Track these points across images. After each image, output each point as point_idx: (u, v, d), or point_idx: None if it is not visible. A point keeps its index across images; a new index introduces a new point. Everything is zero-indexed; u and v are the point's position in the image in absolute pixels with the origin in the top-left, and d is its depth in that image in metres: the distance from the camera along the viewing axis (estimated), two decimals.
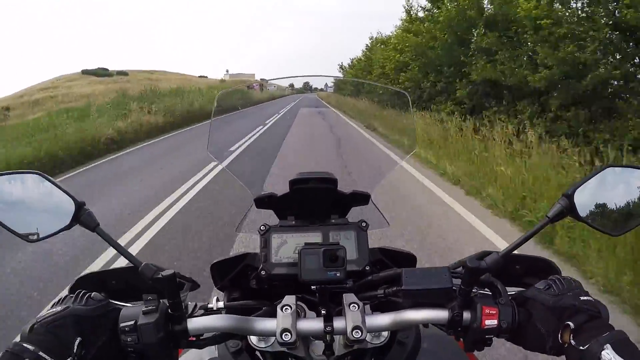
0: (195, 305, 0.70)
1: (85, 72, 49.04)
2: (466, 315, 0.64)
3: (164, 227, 4.70)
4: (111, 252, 3.89)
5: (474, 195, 5.79)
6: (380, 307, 0.75)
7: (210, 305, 0.70)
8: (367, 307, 0.75)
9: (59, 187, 0.68)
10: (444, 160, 7.44)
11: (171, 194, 6.04)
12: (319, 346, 0.71)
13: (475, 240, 4.20)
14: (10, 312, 3.09)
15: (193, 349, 0.81)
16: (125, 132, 12.52)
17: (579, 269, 3.57)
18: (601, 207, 0.71)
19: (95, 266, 3.75)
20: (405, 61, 14.55)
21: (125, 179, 7.57)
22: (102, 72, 50.31)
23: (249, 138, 7.02)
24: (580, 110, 6.61)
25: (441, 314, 0.65)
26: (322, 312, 0.66)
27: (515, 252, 0.69)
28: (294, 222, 0.82)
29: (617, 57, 6.34)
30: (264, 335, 0.68)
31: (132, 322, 0.61)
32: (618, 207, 0.72)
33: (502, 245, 3.92)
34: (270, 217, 0.84)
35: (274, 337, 0.63)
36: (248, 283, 0.82)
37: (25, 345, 0.54)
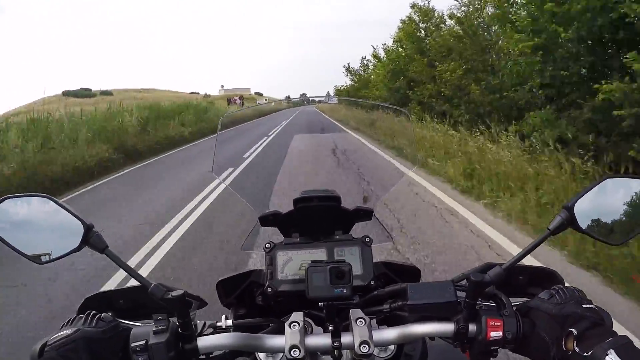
0: (205, 324, 0.71)
1: (66, 94, 48.17)
2: (471, 327, 0.65)
3: None
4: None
5: None
6: (386, 321, 0.76)
7: (219, 324, 0.71)
8: (373, 321, 0.76)
9: (67, 210, 0.69)
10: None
11: None
12: None
13: None
14: None
15: None
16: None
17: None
18: (601, 218, 0.72)
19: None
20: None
21: None
22: (83, 93, 49.33)
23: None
24: None
25: (447, 327, 0.66)
26: (330, 327, 0.67)
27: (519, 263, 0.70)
28: (298, 239, 0.83)
29: None
30: (272, 352, 0.69)
31: (143, 342, 0.62)
32: (618, 216, 0.73)
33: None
34: (274, 234, 0.86)
35: (282, 354, 0.64)
36: (254, 300, 0.83)
37: None
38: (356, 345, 0.62)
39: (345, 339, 0.64)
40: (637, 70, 4.43)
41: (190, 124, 17.99)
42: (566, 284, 0.71)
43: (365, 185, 5.32)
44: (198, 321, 0.71)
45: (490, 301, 0.68)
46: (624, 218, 0.73)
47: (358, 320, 0.65)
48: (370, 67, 26.57)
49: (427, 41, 14.18)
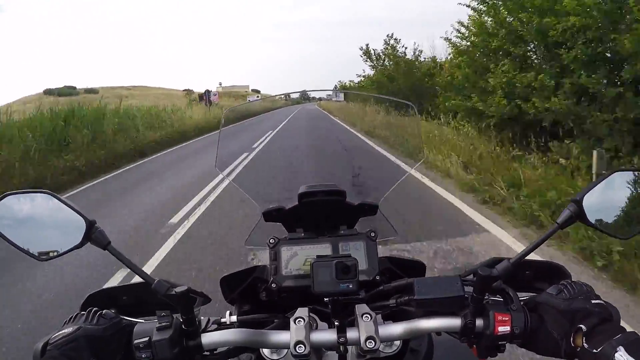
0: (209, 320, 0.70)
1: (48, 92, 46.14)
2: (479, 322, 0.64)
3: None
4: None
5: None
6: (392, 316, 0.76)
7: (223, 320, 0.70)
8: (379, 316, 0.75)
9: (69, 206, 0.68)
10: None
11: None
12: (332, 357, 0.71)
13: None
14: None
15: None
16: None
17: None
18: (610, 211, 0.71)
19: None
20: None
21: None
22: (66, 91, 46.97)
23: None
24: None
25: (454, 322, 0.65)
26: (335, 323, 0.67)
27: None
28: (302, 235, 0.83)
29: None
30: (277, 347, 0.68)
31: (147, 339, 0.61)
32: (626, 210, 0.72)
33: None
34: (278, 229, 0.85)
35: (287, 350, 0.63)
36: (258, 296, 0.83)
37: None
38: (362, 340, 0.62)
39: (351, 334, 0.64)
40: None
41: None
42: (573, 279, 0.70)
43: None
44: (202, 317, 0.70)
45: (498, 296, 0.67)
46: (632, 211, 0.72)
47: (364, 316, 0.64)
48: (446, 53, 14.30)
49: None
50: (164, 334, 0.61)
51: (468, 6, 8.88)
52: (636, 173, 0.73)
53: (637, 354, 0.53)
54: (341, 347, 0.65)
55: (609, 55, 5.74)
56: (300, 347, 0.61)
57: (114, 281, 3.61)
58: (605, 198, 0.71)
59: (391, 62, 21.80)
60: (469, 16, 9.16)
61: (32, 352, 0.59)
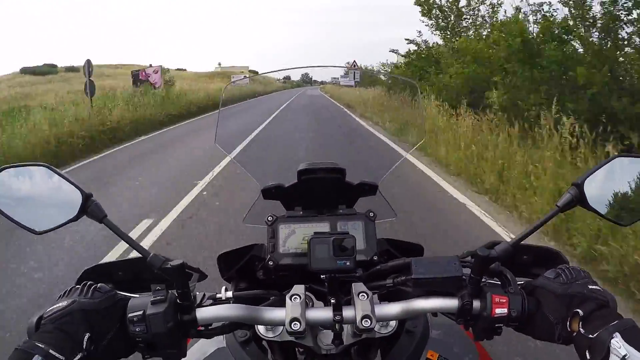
0: (204, 295, 0.70)
1: (25, 71, 43.08)
2: (476, 304, 0.64)
3: None
4: None
5: None
6: (388, 296, 0.75)
7: (218, 295, 0.70)
8: (376, 296, 0.75)
9: (67, 179, 0.68)
10: None
11: None
12: (327, 335, 0.71)
13: None
14: None
15: (201, 339, 0.81)
16: None
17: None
18: (610, 197, 0.71)
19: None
20: None
21: None
22: (44, 70, 43.82)
23: None
24: None
25: (451, 303, 0.65)
26: (331, 301, 0.66)
27: (523, 242, 0.69)
28: (301, 213, 0.82)
29: None
30: (273, 324, 0.68)
31: (141, 312, 0.61)
32: (627, 196, 0.72)
33: None
34: (277, 208, 0.84)
35: (282, 327, 0.63)
36: (255, 274, 0.83)
37: (35, 343, 0.53)
38: (358, 319, 0.61)
39: (347, 312, 0.63)
40: None
41: None
42: (571, 264, 0.69)
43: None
44: (197, 292, 0.70)
45: (495, 279, 0.67)
46: (633, 197, 0.72)
47: (360, 294, 0.64)
48: None
49: None
50: (159, 307, 0.61)
51: None
52: (638, 159, 0.72)
53: (633, 341, 0.52)
54: (337, 325, 0.65)
55: None
56: (295, 324, 0.61)
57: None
58: (606, 183, 0.70)
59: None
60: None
61: (27, 326, 0.59)
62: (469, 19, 12.70)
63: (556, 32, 7.37)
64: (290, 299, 0.64)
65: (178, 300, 0.63)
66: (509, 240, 0.66)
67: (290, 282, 0.69)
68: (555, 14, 7.70)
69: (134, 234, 4.29)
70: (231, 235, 4.13)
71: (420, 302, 0.66)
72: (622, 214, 0.72)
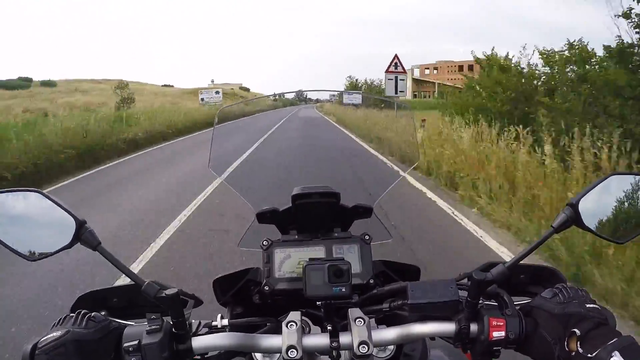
0: (200, 323, 0.69)
1: None
2: (473, 327, 0.63)
3: None
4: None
5: None
6: (386, 320, 0.75)
7: (214, 323, 0.69)
8: (372, 320, 0.74)
9: (60, 206, 0.67)
10: None
11: None
12: None
13: None
14: None
15: None
16: None
17: None
18: (606, 215, 0.71)
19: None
20: None
21: None
22: (15, 84, 40.95)
23: None
24: None
25: (448, 327, 0.64)
26: (328, 327, 0.66)
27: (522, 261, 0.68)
28: (296, 237, 0.82)
29: None
30: (269, 352, 0.68)
31: (136, 342, 0.60)
32: (623, 214, 0.71)
33: None
34: (273, 231, 0.84)
35: (279, 354, 0.62)
36: (251, 298, 0.82)
37: None
38: (355, 345, 0.61)
39: (344, 339, 0.63)
40: None
41: None
42: (569, 283, 0.69)
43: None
44: (193, 320, 0.69)
45: (492, 300, 0.66)
46: (628, 215, 0.72)
47: (357, 320, 0.64)
48: None
49: None
50: (154, 337, 0.60)
51: None
52: (633, 177, 0.73)
53: (632, 358, 0.52)
54: (334, 352, 0.64)
55: None
56: (292, 351, 0.60)
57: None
58: (602, 202, 0.70)
59: None
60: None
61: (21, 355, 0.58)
62: None
63: None
64: (287, 326, 0.63)
65: (173, 329, 0.63)
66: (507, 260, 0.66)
67: (286, 306, 0.69)
68: None
69: None
70: None
71: (417, 326, 0.65)
72: (619, 232, 0.71)
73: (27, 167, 7.87)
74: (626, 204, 0.72)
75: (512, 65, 10.67)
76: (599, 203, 0.70)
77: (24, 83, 43.44)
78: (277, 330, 0.64)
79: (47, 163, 8.49)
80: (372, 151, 9.72)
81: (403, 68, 13.66)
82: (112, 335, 0.62)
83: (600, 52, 7.70)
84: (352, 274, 0.71)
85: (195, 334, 0.66)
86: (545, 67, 9.46)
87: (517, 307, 0.65)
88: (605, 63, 7.50)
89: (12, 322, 2.96)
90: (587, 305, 0.61)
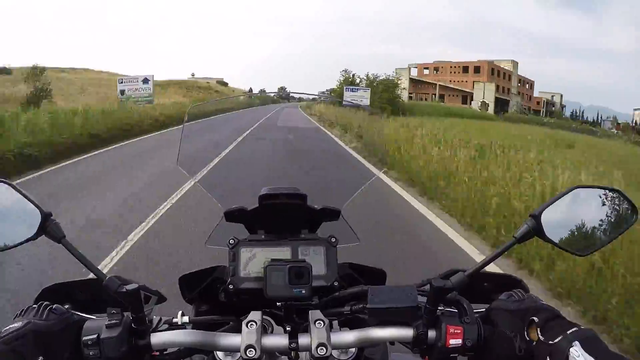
0: (160, 320, 0.69)
1: None
2: (431, 333, 0.64)
3: None
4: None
5: None
6: (348, 323, 0.75)
7: (175, 320, 0.69)
8: (335, 323, 0.75)
9: (26, 197, 0.67)
10: None
11: None
12: None
13: None
14: None
15: None
16: None
17: None
18: (568, 227, 0.72)
19: None
20: None
21: None
22: None
23: None
24: None
25: (406, 332, 0.65)
26: (287, 328, 0.66)
27: (486, 270, 0.69)
28: (263, 237, 0.82)
29: None
30: (228, 350, 0.68)
31: (95, 336, 0.60)
32: (585, 226, 0.72)
33: None
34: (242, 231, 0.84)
35: (240, 353, 0.63)
36: (217, 297, 0.82)
37: None
38: (313, 347, 0.61)
39: (303, 340, 0.63)
40: None
41: None
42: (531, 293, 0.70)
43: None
44: (154, 316, 0.69)
45: (452, 307, 0.67)
46: (591, 228, 0.72)
47: (317, 322, 0.64)
48: None
49: None
50: (113, 331, 0.61)
51: None
52: (596, 190, 0.74)
53: (592, 350, 0.52)
54: (292, 352, 0.64)
55: None
56: (250, 351, 0.60)
57: None
58: (564, 214, 0.71)
59: None
60: None
61: None
62: None
63: None
64: (247, 326, 0.63)
65: (133, 325, 0.63)
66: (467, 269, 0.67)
67: (251, 306, 0.69)
68: None
69: None
70: None
71: (376, 331, 0.66)
72: (580, 245, 0.72)
73: None
74: (589, 216, 0.73)
75: None
76: (562, 215, 0.70)
77: None
78: (238, 329, 0.64)
79: None
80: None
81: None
82: (72, 328, 0.62)
83: None
84: (317, 276, 0.71)
85: (155, 330, 0.66)
86: None
87: (477, 315, 0.66)
88: None
89: None
90: (541, 302, 0.63)
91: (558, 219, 0.70)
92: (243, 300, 0.78)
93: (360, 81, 37.15)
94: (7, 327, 0.58)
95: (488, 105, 54.07)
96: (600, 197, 0.73)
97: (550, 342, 0.56)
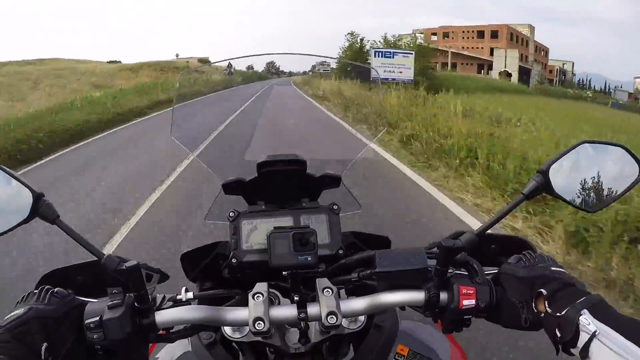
0: (164, 297, 0.67)
1: None
2: (443, 296, 0.63)
3: None
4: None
5: None
6: (356, 291, 0.74)
7: (179, 297, 0.67)
8: (342, 291, 0.74)
9: (17, 178, 0.64)
10: None
11: None
12: (294, 334, 0.69)
13: None
14: None
15: (166, 344, 0.79)
16: None
17: None
18: (577, 183, 0.70)
19: None
20: None
21: None
22: None
23: None
24: None
25: (417, 296, 0.63)
26: (295, 298, 0.65)
27: (491, 231, 0.68)
28: (263, 207, 0.80)
29: None
30: (236, 325, 0.66)
31: (97, 318, 0.58)
32: (593, 182, 0.71)
33: None
34: (240, 203, 0.82)
35: (248, 327, 0.61)
36: (220, 273, 0.80)
37: None
38: (323, 316, 0.60)
39: (312, 309, 0.62)
40: None
41: None
42: (538, 252, 0.69)
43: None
44: (158, 295, 0.67)
45: (462, 269, 0.66)
46: (599, 184, 0.71)
47: (325, 290, 0.63)
48: None
49: None
50: (116, 312, 0.59)
51: None
52: (603, 146, 0.72)
53: (601, 316, 0.51)
54: (302, 323, 0.63)
55: None
56: (259, 323, 0.59)
57: None
58: (572, 169, 0.70)
59: None
60: None
61: None
62: None
63: None
64: (253, 298, 0.61)
65: (136, 304, 0.61)
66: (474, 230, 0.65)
67: (255, 279, 0.67)
68: None
69: None
70: None
71: (386, 296, 0.64)
72: (589, 200, 0.71)
73: None
74: (596, 172, 0.72)
75: None
76: (569, 170, 0.69)
77: None
78: (244, 303, 0.63)
79: None
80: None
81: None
82: (75, 312, 0.60)
83: None
84: (321, 245, 0.69)
85: (159, 308, 0.64)
86: None
87: (488, 276, 0.64)
88: None
89: None
90: (552, 268, 0.61)
91: (566, 174, 0.69)
92: (247, 274, 0.76)
93: (370, 47, 26.31)
94: (9, 315, 0.56)
95: (511, 75, 47.31)
96: (607, 153, 0.72)
97: (558, 314, 0.54)
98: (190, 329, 0.66)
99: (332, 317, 0.60)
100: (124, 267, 0.59)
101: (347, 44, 27.81)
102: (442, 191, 5.25)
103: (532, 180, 0.66)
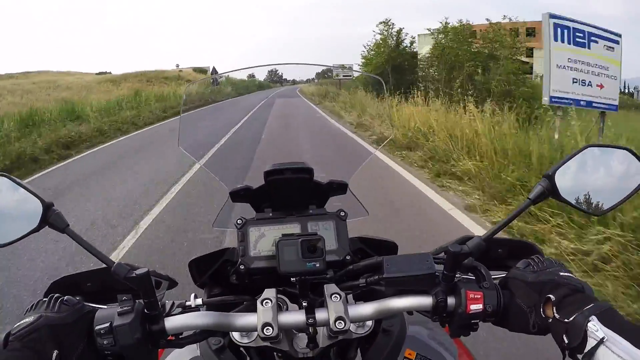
0: (173, 304, 0.68)
1: None
2: (450, 300, 0.63)
3: None
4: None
5: None
6: (363, 296, 0.74)
7: (188, 303, 0.68)
8: (350, 297, 0.74)
9: (27, 189, 0.65)
10: None
11: None
12: (302, 339, 0.70)
13: None
14: None
15: (175, 349, 0.79)
16: None
17: None
18: (582, 187, 0.71)
19: None
20: None
21: None
22: None
23: None
24: None
25: (425, 301, 0.64)
26: (303, 304, 0.65)
27: (498, 236, 0.68)
28: (271, 215, 0.80)
29: None
30: (245, 330, 0.67)
31: (108, 324, 0.59)
32: (599, 186, 0.71)
33: None
34: (247, 210, 0.82)
35: (257, 332, 0.61)
36: (228, 279, 0.81)
37: None
38: (331, 321, 0.60)
39: (320, 315, 0.62)
40: None
41: None
42: (545, 256, 0.69)
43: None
44: (167, 301, 0.68)
45: (470, 274, 0.66)
46: (604, 188, 0.72)
47: (333, 296, 0.63)
48: None
49: None
50: (125, 318, 0.59)
51: None
52: (607, 149, 0.72)
53: (610, 323, 0.51)
54: (310, 328, 0.63)
55: None
56: (268, 329, 0.59)
57: None
58: (578, 173, 0.70)
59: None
60: None
61: None
62: None
63: None
64: (262, 304, 0.62)
65: (145, 310, 0.61)
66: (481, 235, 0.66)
67: (263, 286, 0.68)
68: None
69: None
70: None
71: (393, 301, 0.65)
72: (595, 204, 0.71)
73: None
74: (602, 176, 0.72)
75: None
76: (575, 174, 0.70)
77: None
78: (253, 309, 0.63)
79: None
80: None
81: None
82: (85, 319, 0.60)
83: None
84: (329, 251, 0.70)
85: (169, 314, 0.65)
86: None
87: (495, 281, 0.65)
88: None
89: None
90: (561, 274, 0.61)
91: (571, 178, 0.70)
92: (255, 280, 0.76)
93: (405, 37, 19.39)
94: (19, 323, 0.57)
95: None
96: (612, 156, 0.72)
97: (566, 320, 0.54)
98: (199, 335, 0.67)
99: (340, 322, 0.60)
100: (134, 275, 0.60)
101: (379, 38, 19.14)
102: None
103: (538, 185, 0.67)
